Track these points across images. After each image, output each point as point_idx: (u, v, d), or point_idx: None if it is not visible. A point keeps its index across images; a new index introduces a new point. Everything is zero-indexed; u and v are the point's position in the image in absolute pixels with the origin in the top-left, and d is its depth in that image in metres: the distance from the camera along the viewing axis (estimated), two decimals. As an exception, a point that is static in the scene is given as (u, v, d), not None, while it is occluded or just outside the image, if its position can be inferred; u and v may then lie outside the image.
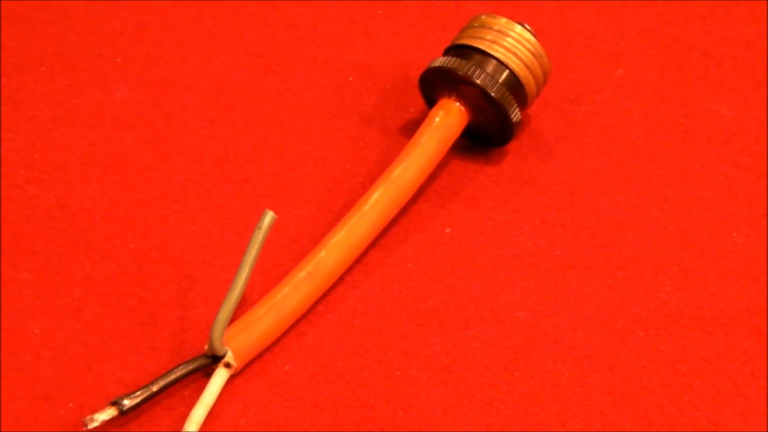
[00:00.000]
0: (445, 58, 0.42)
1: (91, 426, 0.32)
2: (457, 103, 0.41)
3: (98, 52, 0.46)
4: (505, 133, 0.42)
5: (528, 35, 0.42)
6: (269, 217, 0.33)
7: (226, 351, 0.34)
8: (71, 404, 0.33)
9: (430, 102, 0.43)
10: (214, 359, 0.34)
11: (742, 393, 0.35)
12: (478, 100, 0.41)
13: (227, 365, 0.34)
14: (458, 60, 0.41)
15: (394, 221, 0.40)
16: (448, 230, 0.40)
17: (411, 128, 0.44)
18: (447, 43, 0.43)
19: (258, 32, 0.48)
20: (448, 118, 0.41)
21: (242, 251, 0.33)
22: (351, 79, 0.45)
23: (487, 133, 0.43)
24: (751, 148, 0.44)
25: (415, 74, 0.45)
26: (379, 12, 0.49)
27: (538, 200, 0.41)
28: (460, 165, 0.43)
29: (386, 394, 0.34)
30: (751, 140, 0.45)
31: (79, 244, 0.38)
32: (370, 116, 0.44)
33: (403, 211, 0.40)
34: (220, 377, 0.34)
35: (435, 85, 0.42)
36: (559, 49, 0.49)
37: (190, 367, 0.34)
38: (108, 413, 0.32)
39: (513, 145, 0.44)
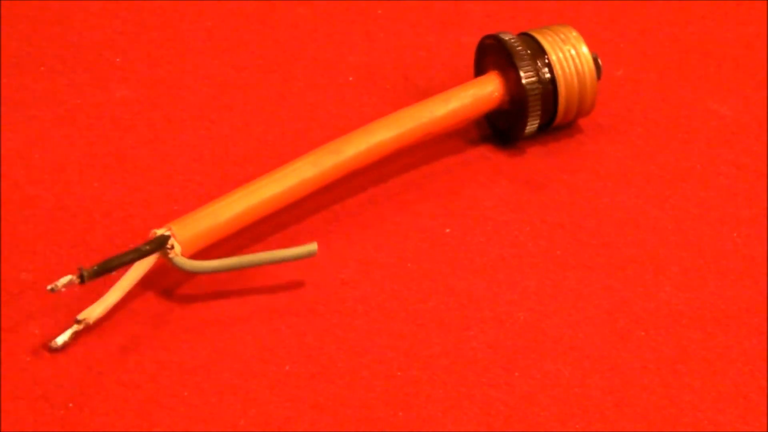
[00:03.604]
0: (509, 34, 0.42)
1: (51, 288, 0.34)
2: (499, 78, 0.42)
3: (98, 52, 0.46)
4: (518, 128, 0.42)
5: (590, 64, 0.42)
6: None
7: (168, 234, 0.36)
8: (71, 404, 0.33)
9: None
10: (160, 245, 0.36)
11: (742, 393, 0.35)
12: (515, 83, 0.42)
13: (170, 245, 0.36)
14: (516, 38, 0.42)
15: (393, 220, 0.40)
16: (448, 230, 0.40)
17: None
18: (447, 43, 0.43)
19: (258, 32, 0.48)
20: (486, 84, 0.42)
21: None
22: (351, 78, 0.45)
23: (506, 126, 0.43)
24: (751, 148, 0.44)
25: (415, 74, 0.45)
26: (379, 12, 0.49)
27: (538, 200, 0.41)
28: (460, 165, 0.43)
29: (386, 394, 0.34)
30: (751, 140, 0.45)
31: (79, 244, 0.38)
32: (370, 117, 0.44)
33: (403, 211, 0.40)
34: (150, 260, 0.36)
35: (487, 60, 0.43)
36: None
37: (142, 250, 0.35)
38: (68, 279, 0.34)
39: (513, 146, 0.44)
